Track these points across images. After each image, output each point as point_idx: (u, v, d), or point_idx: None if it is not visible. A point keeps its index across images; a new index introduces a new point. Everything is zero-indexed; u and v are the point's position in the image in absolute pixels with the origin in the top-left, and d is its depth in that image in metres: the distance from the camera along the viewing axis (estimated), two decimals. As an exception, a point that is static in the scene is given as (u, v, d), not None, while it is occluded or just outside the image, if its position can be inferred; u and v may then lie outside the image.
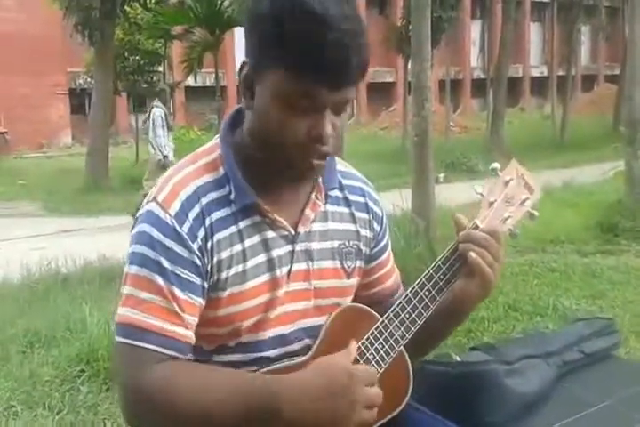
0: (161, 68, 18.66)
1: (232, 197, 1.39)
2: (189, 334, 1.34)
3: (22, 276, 6.79)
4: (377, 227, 1.60)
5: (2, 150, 23.27)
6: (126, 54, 17.62)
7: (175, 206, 1.35)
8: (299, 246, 1.45)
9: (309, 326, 1.48)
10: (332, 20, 1.23)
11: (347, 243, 1.52)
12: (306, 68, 1.25)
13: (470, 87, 37.85)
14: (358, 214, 1.55)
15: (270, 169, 1.40)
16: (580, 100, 35.07)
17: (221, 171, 1.41)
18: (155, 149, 9.81)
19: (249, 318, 1.40)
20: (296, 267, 1.45)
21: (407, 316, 1.44)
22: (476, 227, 1.47)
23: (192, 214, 1.35)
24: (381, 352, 1.43)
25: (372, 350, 1.42)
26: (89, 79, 19.34)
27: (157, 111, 9.96)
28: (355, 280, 1.55)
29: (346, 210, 1.54)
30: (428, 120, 5.94)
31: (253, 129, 1.39)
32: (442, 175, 12.80)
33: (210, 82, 23.33)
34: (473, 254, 1.42)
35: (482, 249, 1.43)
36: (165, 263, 1.32)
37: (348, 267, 1.52)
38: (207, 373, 1.33)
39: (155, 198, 1.37)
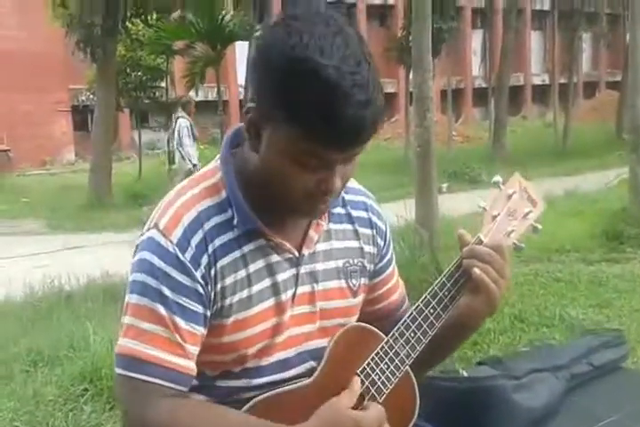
0: (163, 84, 18.67)
1: (235, 221, 1.35)
2: (191, 366, 1.32)
3: (25, 294, 6.78)
4: (380, 242, 1.57)
5: (5, 168, 23.28)
6: (128, 70, 17.58)
7: (177, 233, 1.31)
8: (303, 269, 1.43)
9: (314, 349, 1.46)
10: (346, 91, 1.17)
11: (351, 261, 1.50)
12: (319, 136, 1.20)
13: (472, 96, 37.86)
14: (362, 230, 1.53)
15: (272, 199, 1.37)
16: (582, 107, 35.04)
17: (223, 194, 1.37)
18: (184, 158, 10.53)
19: (254, 344, 1.38)
20: (301, 290, 1.43)
21: (412, 335, 1.41)
22: (480, 242, 1.45)
23: (194, 241, 1.32)
24: (387, 373, 1.41)
25: (377, 370, 1.40)
26: (91, 96, 19.32)
27: (183, 122, 10.69)
28: (360, 298, 1.53)
29: (349, 227, 1.52)
30: (431, 131, 5.91)
31: (259, 170, 1.35)
32: (445, 185, 12.76)
33: (212, 96, 23.36)
34: (477, 270, 1.41)
35: (486, 265, 1.41)
36: (167, 292, 1.29)
37: (354, 285, 1.50)
38: (212, 417, 1.30)
39: (156, 225, 1.34)
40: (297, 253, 1.41)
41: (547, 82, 38.11)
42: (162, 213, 1.35)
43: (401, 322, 1.42)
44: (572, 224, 9.06)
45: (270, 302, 1.39)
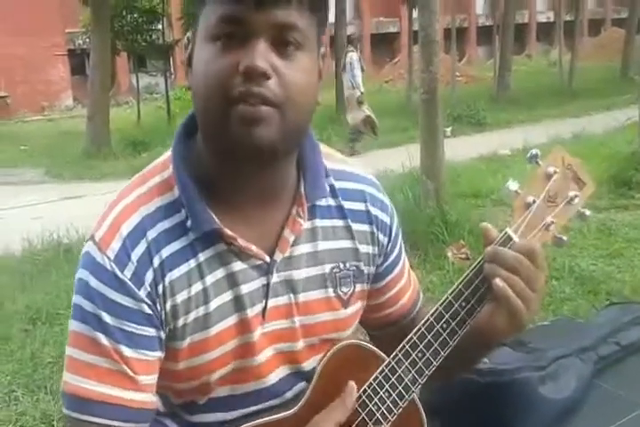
0: (160, 26, 18.33)
1: (188, 223, 1.11)
2: (147, 398, 1.12)
3: (23, 247, 6.69)
4: (383, 239, 1.29)
5: (3, 114, 23.11)
6: (124, 13, 17.28)
7: (114, 247, 1.09)
8: (276, 277, 1.17)
9: (303, 371, 1.23)
10: None
11: (342, 265, 1.23)
12: None
13: (476, 35, 37.28)
14: (356, 227, 1.25)
15: (229, 179, 1.13)
16: (587, 45, 34.47)
17: (176, 192, 1.13)
18: (354, 87, 12.04)
19: (216, 370, 1.16)
20: (273, 302, 1.17)
21: (420, 355, 1.16)
22: (508, 239, 1.13)
23: (136, 255, 1.09)
24: (388, 402, 1.18)
25: (375, 399, 1.17)
26: (87, 39, 19.00)
27: (354, 55, 12.21)
28: (355, 308, 1.27)
29: (340, 223, 1.24)
30: (437, 76, 5.69)
31: (195, 105, 1.10)
32: (448, 129, 12.51)
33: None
34: (499, 282, 1.10)
35: (511, 274, 1.10)
36: (107, 318, 1.08)
37: (344, 294, 1.24)
38: None
39: (92, 237, 1.11)
40: (267, 259, 1.15)
41: (551, 19, 37.48)
42: (100, 221, 1.13)
43: (406, 340, 1.16)
44: (579, 169, 8.90)
45: (232, 319, 1.15)
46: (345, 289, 1.24)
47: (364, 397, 1.17)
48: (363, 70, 12.56)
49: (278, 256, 1.16)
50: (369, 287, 1.31)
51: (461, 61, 32.09)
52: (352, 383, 1.15)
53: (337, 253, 1.23)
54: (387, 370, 1.16)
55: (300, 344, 1.21)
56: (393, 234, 1.32)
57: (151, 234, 1.10)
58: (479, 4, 37.80)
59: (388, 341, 1.31)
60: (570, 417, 1.85)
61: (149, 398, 1.12)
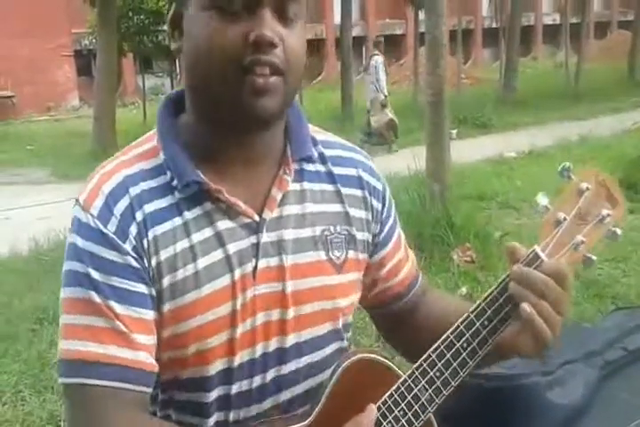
0: (166, 27, 18.32)
1: (174, 183, 1.11)
2: (144, 359, 1.08)
3: (30, 248, 6.72)
4: (377, 204, 1.28)
5: (9, 114, 23.12)
6: (130, 14, 17.30)
7: (97, 204, 1.09)
8: (266, 237, 1.14)
9: (286, 348, 1.18)
10: None
11: (332, 228, 1.21)
12: None
13: (482, 37, 37.23)
14: (347, 191, 1.24)
15: (218, 141, 1.14)
16: (593, 47, 34.42)
17: (161, 157, 1.13)
18: (378, 90, 12.60)
19: (207, 337, 1.12)
20: (264, 263, 1.14)
21: (438, 374, 1.11)
22: (536, 257, 1.09)
23: (118, 210, 1.09)
24: (402, 421, 1.13)
25: (390, 418, 1.12)
26: (94, 40, 19.03)
27: (379, 59, 12.69)
28: (351, 276, 1.24)
29: (329, 187, 1.23)
30: (443, 79, 5.71)
31: (187, 74, 1.12)
32: (454, 131, 12.52)
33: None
34: (526, 307, 1.06)
35: (539, 299, 1.07)
36: (96, 275, 1.06)
37: (337, 258, 1.20)
38: None
39: (77, 200, 1.12)
40: (257, 218, 1.14)
41: (557, 21, 37.43)
42: (85, 186, 1.13)
43: (423, 358, 1.12)
44: (585, 173, 8.89)
45: (224, 280, 1.11)
46: (337, 253, 1.21)
47: (378, 414, 1.11)
48: (387, 74, 13.16)
49: (267, 215, 1.15)
50: (367, 259, 1.28)
51: (467, 63, 32.12)
52: (372, 406, 1.11)
53: (326, 216, 1.21)
54: (403, 388, 1.12)
55: (290, 313, 1.17)
56: (387, 201, 1.31)
57: (134, 191, 1.10)
58: (485, 6, 37.77)
59: (392, 320, 1.33)
60: (577, 422, 1.85)
61: (147, 360, 1.08)
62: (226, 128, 1.12)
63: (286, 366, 1.19)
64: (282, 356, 1.18)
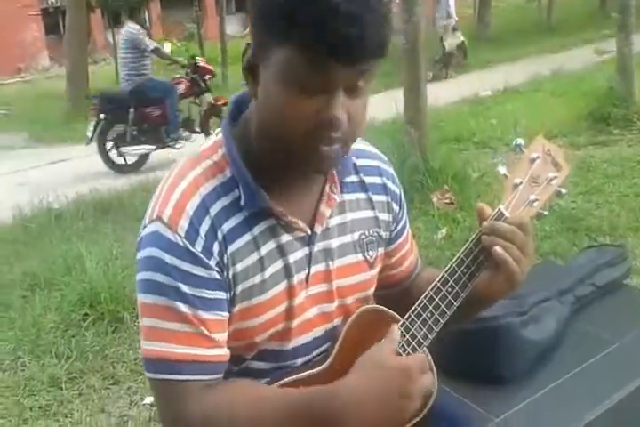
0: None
1: (242, 201, 1.27)
2: (223, 352, 1.28)
3: (14, 215, 6.68)
4: (395, 207, 1.50)
5: (-20, 79, 22.77)
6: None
7: (183, 224, 1.23)
8: (316, 247, 1.36)
9: (333, 328, 1.42)
10: (337, 2, 1.06)
11: (367, 232, 1.44)
12: (314, 40, 1.08)
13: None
14: (376, 198, 1.46)
15: (279, 163, 1.27)
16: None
17: (228, 173, 1.28)
18: (449, 16, 13.59)
19: (264, 331, 1.33)
20: (315, 269, 1.36)
21: (429, 315, 1.33)
22: (501, 215, 1.35)
23: (203, 230, 1.24)
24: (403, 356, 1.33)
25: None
26: (59, -2, 18.69)
27: None
28: (378, 269, 1.48)
29: (363, 196, 1.44)
30: (419, 27, 5.65)
31: (258, 119, 1.25)
32: (430, 73, 12.49)
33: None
34: (498, 249, 1.30)
35: (508, 243, 1.31)
36: (185, 288, 1.23)
37: (371, 257, 1.44)
38: (258, 397, 1.25)
39: (159, 217, 1.24)
40: (309, 231, 1.34)
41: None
42: (163, 203, 1.26)
43: (417, 303, 1.33)
44: (558, 106, 8.94)
45: (283, 285, 1.32)
46: (371, 253, 1.44)
47: None
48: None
49: (318, 228, 1.35)
50: (385, 250, 1.50)
51: None
52: (395, 326, 1.29)
53: (362, 222, 1.43)
54: (402, 329, 1.31)
55: (335, 304, 1.40)
56: (402, 202, 1.53)
57: (213, 211, 1.25)
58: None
59: (391, 300, 1.49)
60: (549, 356, 1.98)
61: (224, 352, 1.28)
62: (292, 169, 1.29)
63: (323, 347, 1.42)
64: (328, 337, 1.41)
